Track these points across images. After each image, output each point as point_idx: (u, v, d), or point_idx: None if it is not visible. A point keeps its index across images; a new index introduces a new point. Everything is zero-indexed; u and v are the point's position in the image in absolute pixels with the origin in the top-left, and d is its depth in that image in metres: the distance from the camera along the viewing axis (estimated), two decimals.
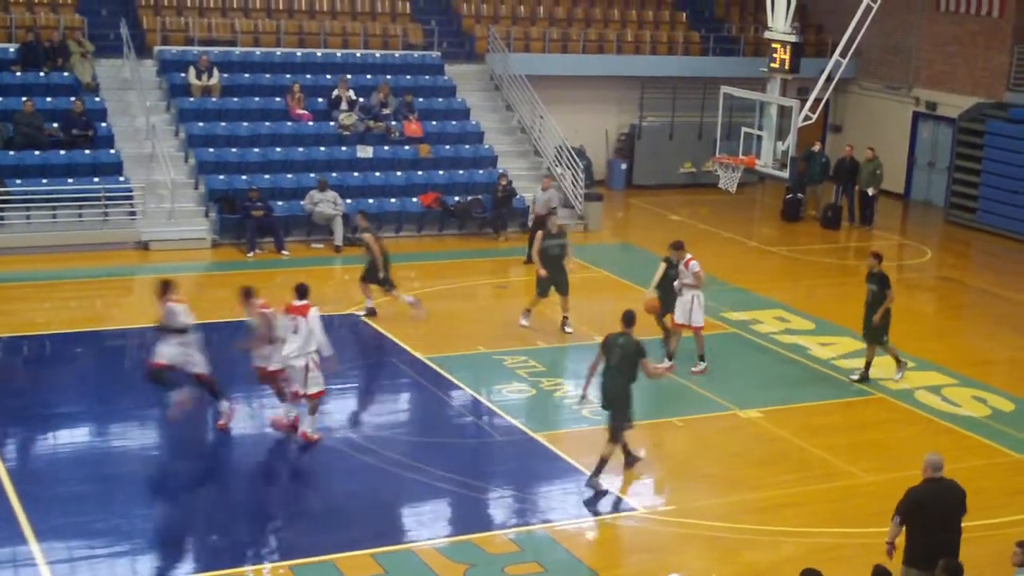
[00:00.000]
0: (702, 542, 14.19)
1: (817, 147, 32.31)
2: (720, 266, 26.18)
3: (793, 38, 26.53)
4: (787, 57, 26.61)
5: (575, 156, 30.10)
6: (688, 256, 19.28)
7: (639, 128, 34.59)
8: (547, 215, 24.23)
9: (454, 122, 30.59)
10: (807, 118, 27.02)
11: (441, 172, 28.95)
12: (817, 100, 27.63)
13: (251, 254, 25.37)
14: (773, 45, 26.99)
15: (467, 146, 29.99)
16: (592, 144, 33.94)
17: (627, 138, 34.83)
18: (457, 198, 28.15)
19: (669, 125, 34.71)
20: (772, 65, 27.00)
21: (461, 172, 29.10)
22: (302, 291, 16.25)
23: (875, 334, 19.22)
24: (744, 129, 27.45)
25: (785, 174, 27.18)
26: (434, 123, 30.16)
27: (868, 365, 19.48)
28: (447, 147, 29.67)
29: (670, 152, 34.65)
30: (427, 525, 14.52)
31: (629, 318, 15.40)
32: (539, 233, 21.47)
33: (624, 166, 34.48)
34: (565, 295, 21.13)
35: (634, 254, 27.71)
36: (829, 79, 27.85)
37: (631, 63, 34.30)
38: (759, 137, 27.35)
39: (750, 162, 27.36)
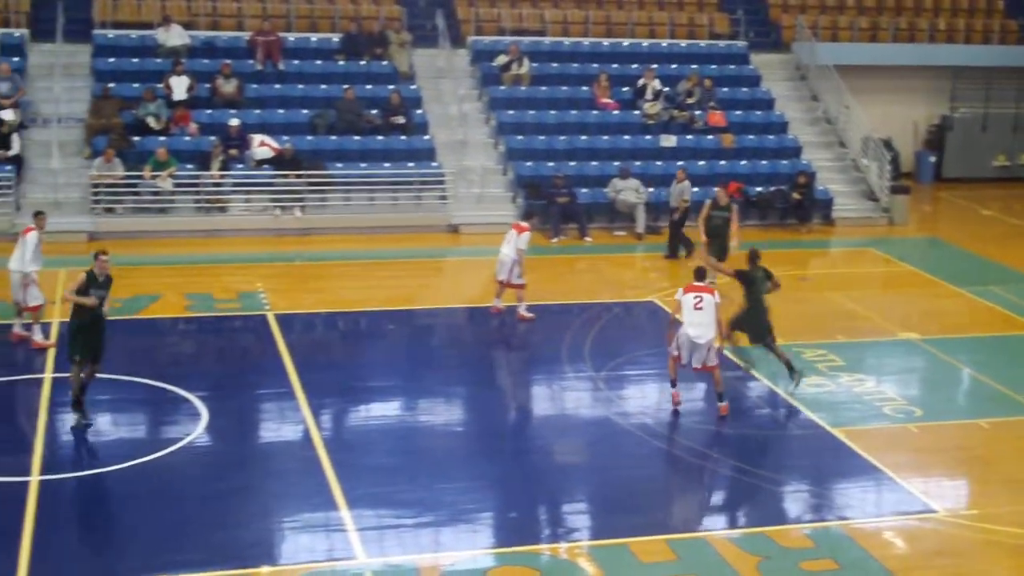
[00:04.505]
0: (1006, 550, 13.76)
1: None
2: None
3: None
4: None
5: (882, 147, 29.48)
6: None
7: (950, 119, 33.53)
8: (678, 207, 24.50)
9: (758, 112, 30.41)
10: None
11: (743, 162, 28.87)
12: None
13: (555, 239, 25.94)
14: None
15: (771, 136, 29.78)
16: (899, 136, 33.14)
17: (937, 130, 33.82)
18: (759, 188, 28.00)
19: (982, 116, 33.52)
20: None
21: (764, 162, 28.93)
22: None
23: None
24: None
25: None
26: (738, 113, 30.06)
27: None
28: (750, 137, 29.54)
29: (983, 144, 33.48)
30: (720, 515, 14.66)
31: None
32: (708, 202, 22.84)
33: (933, 158, 33.51)
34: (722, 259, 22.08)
35: (941, 249, 26.93)
36: None
37: (943, 52, 33.30)
38: None
39: None
